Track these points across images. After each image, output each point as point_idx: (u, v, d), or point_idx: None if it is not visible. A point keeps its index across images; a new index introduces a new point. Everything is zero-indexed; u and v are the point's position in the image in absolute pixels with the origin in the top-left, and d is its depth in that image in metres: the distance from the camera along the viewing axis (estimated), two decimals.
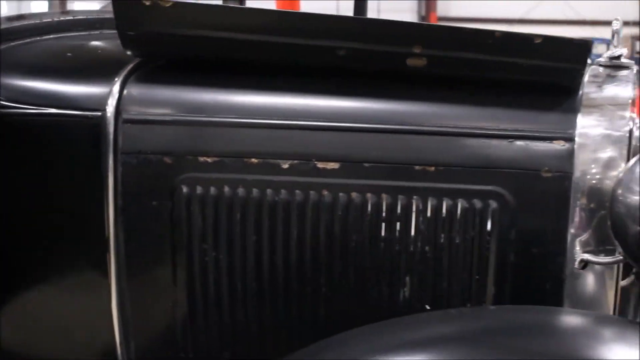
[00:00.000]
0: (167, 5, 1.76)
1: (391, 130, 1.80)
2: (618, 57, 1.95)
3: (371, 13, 2.89)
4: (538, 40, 1.71)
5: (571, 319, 1.56)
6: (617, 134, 1.75)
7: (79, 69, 1.96)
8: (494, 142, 1.77)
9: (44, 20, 2.08)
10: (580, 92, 1.81)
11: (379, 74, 1.85)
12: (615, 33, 1.94)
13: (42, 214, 1.89)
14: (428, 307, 1.80)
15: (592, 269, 1.75)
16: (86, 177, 1.86)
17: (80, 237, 1.89)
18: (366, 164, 1.80)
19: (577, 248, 1.73)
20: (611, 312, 1.76)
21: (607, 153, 1.74)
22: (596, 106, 1.79)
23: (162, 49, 1.90)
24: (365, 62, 1.83)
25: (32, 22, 2.07)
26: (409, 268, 1.80)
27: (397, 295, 1.81)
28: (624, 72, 1.93)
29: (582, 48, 1.69)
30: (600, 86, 1.84)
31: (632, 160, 1.62)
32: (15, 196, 1.88)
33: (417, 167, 1.78)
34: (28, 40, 2.02)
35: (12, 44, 1.98)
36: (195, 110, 1.85)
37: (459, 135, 1.78)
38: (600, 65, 1.94)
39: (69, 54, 2.04)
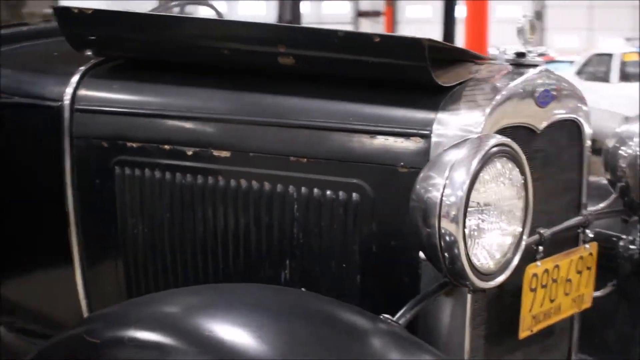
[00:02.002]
0: (89, 12, 2.05)
1: (271, 124, 1.94)
2: (522, 55, 1.90)
3: None
4: (377, 39, 1.75)
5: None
6: (465, 134, 1.74)
7: (51, 67, 2.32)
8: (358, 137, 1.84)
9: (35, 27, 2.46)
10: (454, 90, 1.81)
11: (266, 71, 1.99)
12: (519, 30, 1.89)
13: (9, 189, 2.30)
14: (303, 290, 1.92)
15: None
16: (48, 157, 2.22)
17: (43, 209, 2.27)
18: (251, 154, 1.96)
19: None
20: (467, 308, 1.77)
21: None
22: (458, 105, 1.78)
23: (102, 50, 2.20)
24: (247, 61, 1.98)
25: (24, 29, 2.47)
26: (288, 252, 1.93)
27: (279, 277, 1.95)
28: (531, 70, 1.88)
29: (417, 46, 1.70)
30: (477, 85, 1.83)
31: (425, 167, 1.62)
32: None
33: (292, 158, 1.90)
34: (20, 44, 2.43)
35: (12, 46, 2.39)
36: (127, 103, 2.13)
37: (327, 129, 1.87)
38: (508, 62, 1.92)
39: (49, 55, 2.40)
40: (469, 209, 1.56)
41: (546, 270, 1.90)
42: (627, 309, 2.34)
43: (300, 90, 1.95)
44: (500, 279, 1.65)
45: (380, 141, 1.82)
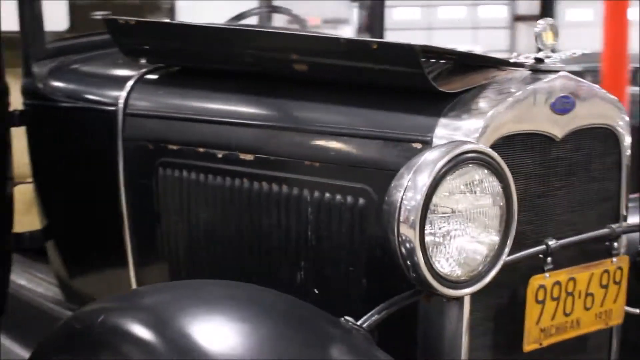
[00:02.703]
0: (132, 23, 2.19)
1: (288, 129, 2.00)
2: (540, 60, 1.86)
3: None
4: (375, 46, 1.76)
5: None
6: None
7: (112, 74, 2.49)
8: (364, 142, 1.87)
9: (90, 39, 2.65)
10: (460, 97, 1.80)
11: (286, 78, 2.05)
12: (537, 35, 1.85)
13: (73, 189, 2.49)
14: (316, 291, 1.97)
15: None
16: (106, 158, 2.39)
17: (101, 209, 2.44)
18: (272, 157, 2.02)
19: None
20: (464, 316, 1.75)
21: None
22: (461, 111, 1.77)
23: (152, 58, 2.34)
24: (269, 67, 2.05)
25: (94, 38, 2.66)
26: (302, 254, 1.98)
27: (295, 278, 2.01)
28: (548, 77, 1.84)
29: (411, 52, 1.70)
30: (484, 91, 1.81)
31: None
32: (54, 166, 2.52)
33: (306, 162, 1.96)
34: (89, 53, 2.62)
35: (69, 57, 2.59)
36: (169, 107, 2.26)
37: (337, 134, 1.91)
38: (527, 68, 1.88)
39: (114, 62, 2.57)
40: (434, 215, 1.55)
41: (557, 283, 1.84)
42: None
43: (314, 96, 2.00)
44: (472, 289, 1.62)
45: (384, 147, 1.84)
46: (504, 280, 1.82)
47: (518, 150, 1.82)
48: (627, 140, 2.04)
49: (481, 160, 1.60)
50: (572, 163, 1.93)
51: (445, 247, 1.59)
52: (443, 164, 1.55)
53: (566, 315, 1.88)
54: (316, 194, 1.94)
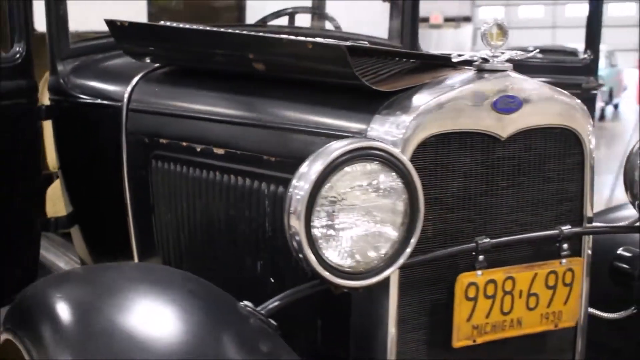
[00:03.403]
0: (126, 25, 2.35)
1: (252, 125, 2.10)
2: (485, 60, 1.88)
3: None
4: (310, 46, 1.83)
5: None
6: (393, 138, 1.76)
7: (123, 73, 2.65)
8: (311, 138, 1.94)
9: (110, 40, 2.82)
10: (398, 96, 1.84)
11: (252, 77, 2.15)
12: (483, 35, 1.87)
13: (89, 173, 2.69)
14: (272, 280, 2.06)
15: None
16: (113, 151, 2.56)
17: (108, 199, 2.63)
18: (239, 152, 2.13)
19: None
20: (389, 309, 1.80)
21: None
22: (393, 110, 1.81)
23: (153, 59, 2.50)
24: (234, 67, 2.15)
25: (102, 41, 2.85)
26: (262, 245, 2.08)
27: (255, 267, 2.11)
28: (492, 76, 1.86)
29: (340, 52, 1.76)
30: (420, 91, 1.84)
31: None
32: (75, 158, 2.72)
33: (264, 157, 2.05)
34: (99, 55, 2.81)
35: (91, 56, 2.78)
36: (162, 105, 2.41)
37: (290, 131, 1.99)
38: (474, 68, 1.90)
39: (125, 62, 2.74)
40: (328, 207, 1.60)
41: (492, 281, 1.85)
42: None
43: (272, 94, 2.10)
44: (368, 281, 1.66)
45: (328, 143, 1.90)
46: (438, 276, 1.86)
47: (455, 149, 1.84)
48: (591, 141, 2.02)
49: (379, 156, 1.64)
50: (521, 163, 1.93)
51: (337, 239, 1.63)
52: (337, 156, 1.61)
53: (504, 314, 1.88)
54: (272, 187, 2.03)
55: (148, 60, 2.55)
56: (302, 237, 1.58)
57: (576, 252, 2.01)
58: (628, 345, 2.20)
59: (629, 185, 2.12)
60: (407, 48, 3.49)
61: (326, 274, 1.62)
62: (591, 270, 2.12)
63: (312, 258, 1.59)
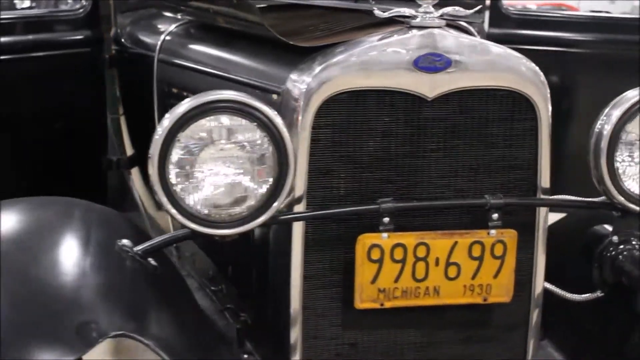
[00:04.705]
0: None
1: (217, 76, 2.20)
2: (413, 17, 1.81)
3: None
4: (235, 1, 1.85)
5: None
6: (299, 92, 1.76)
7: (160, 26, 2.81)
8: (251, 91, 1.97)
9: None
10: (320, 52, 1.83)
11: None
12: None
13: (140, 119, 2.90)
14: None
15: None
16: (150, 96, 2.75)
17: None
18: None
19: None
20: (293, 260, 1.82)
21: (292, 107, 1.78)
22: (309, 65, 1.80)
23: (182, 14, 2.64)
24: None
25: None
26: None
27: None
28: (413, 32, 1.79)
29: (252, 9, 1.77)
30: (340, 48, 1.81)
31: None
32: (131, 103, 2.98)
33: None
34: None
35: (148, 10, 2.97)
36: (176, 56, 2.54)
37: (233, 81, 2.08)
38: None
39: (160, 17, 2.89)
40: (182, 156, 1.63)
41: (400, 245, 1.78)
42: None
43: (235, 47, 2.16)
44: (232, 230, 1.67)
45: (256, 95, 1.94)
46: (346, 235, 1.82)
47: (372, 107, 1.79)
48: (546, 106, 1.86)
49: (235, 109, 1.64)
50: (455, 125, 1.83)
51: (197, 188, 1.66)
52: (188, 109, 1.64)
53: (417, 280, 1.81)
54: None
55: (179, 16, 2.69)
56: (157, 183, 1.63)
57: (521, 223, 1.88)
58: (595, 327, 2.02)
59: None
60: None
61: (183, 220, 1.66)
62: (560, 246, 1.98)
63: (166, 203, 1.64)
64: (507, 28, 3.30)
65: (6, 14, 2.87)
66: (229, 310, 2.13)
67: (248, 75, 2.03)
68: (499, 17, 3.26)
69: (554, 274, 2.01)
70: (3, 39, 2.83)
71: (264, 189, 1.68)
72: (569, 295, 1.98)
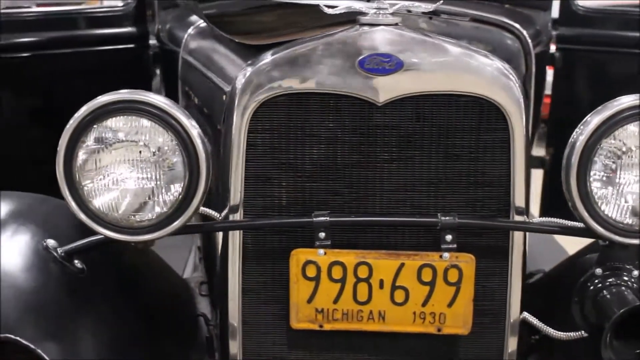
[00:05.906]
0: None
1: (203, 75, 2.14)
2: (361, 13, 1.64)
3: None
4: None
5: None
6: (234, 93, 1.66)
7: (185, 24, 2.76)
8: (211, 85, 1.98)
9: None
10: (270, 51, 1.71)
11: None
12: None
13: None
14: None
15: None
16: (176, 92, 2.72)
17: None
18: (196, 100, 2.19)
19: None
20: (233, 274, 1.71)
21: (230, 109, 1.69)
22: (251, 66, 1.69)
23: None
24: None
25: None
26: None
27: None
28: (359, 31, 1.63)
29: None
30: (285, 46, 1.69)
31: None
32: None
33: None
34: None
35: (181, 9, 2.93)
36: (192, 54, 2.48)
37: (207, 78, 2.03)
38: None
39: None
40: (91, 156, 1.54)
41: (339, 263, 1.62)
42: None
43: (223, 47, 2.11)
44: (137, 238, 1.57)
45: (217, 96, 1.87)
46: (283, 249, 1.69)
47: (315, 111, 1.64)
48: (520, 115, 1.63)
49: (141, 109, 1.53)
50: (410, 134, 1.64)
51: (104, 191, 1.57)
52: (88, 112, 1.54)
53: (359, 303, 1.65)
54: None
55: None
56: (63, 183, 1.56)
57: (493, 247, 1.67)
58: None
59: None
60: None
61: (91, 224, 1.58)
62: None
63: (73, 205, 1.57)
64: (579, 27, 3.01)
65: (52, 10, 2.94)
66: (204, 317, 2.06)
67: (216, 75, 1.96)
68: (570, 15, 2.97)
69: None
70: (51, 34, 2.91)
71: (171, 196, 1.58)
72: (550, 331, 1.73)
